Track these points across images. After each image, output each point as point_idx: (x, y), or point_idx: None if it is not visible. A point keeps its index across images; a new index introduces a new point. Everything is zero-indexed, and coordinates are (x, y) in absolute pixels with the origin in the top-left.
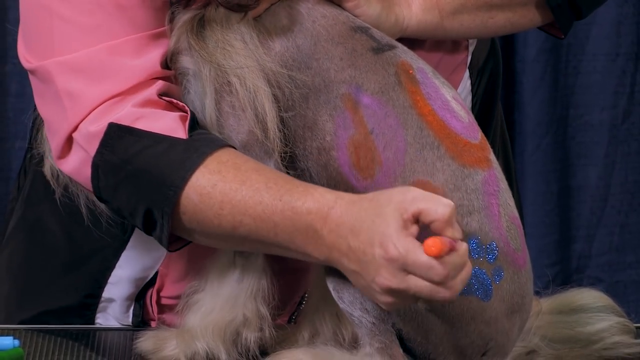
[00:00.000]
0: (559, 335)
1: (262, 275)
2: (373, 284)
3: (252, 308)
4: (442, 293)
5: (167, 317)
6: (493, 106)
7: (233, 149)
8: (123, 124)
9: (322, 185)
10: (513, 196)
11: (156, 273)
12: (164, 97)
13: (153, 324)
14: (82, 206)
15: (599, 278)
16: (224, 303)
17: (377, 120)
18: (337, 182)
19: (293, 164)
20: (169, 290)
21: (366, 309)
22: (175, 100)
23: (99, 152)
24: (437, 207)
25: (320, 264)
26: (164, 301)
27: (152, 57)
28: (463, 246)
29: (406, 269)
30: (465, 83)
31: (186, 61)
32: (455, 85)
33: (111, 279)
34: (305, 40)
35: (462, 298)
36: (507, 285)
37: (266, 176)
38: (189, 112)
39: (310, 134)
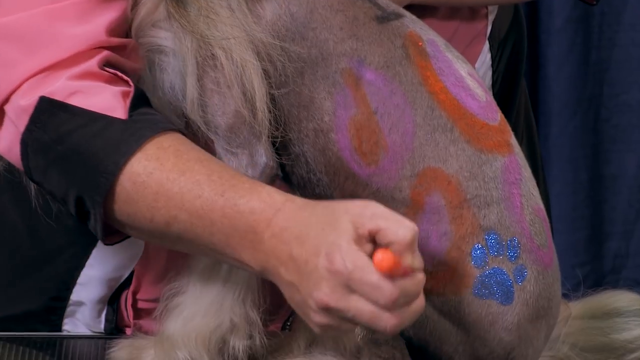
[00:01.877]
0: (591, 343)
1: (252, 274)
2: (309, 298)
3: (240, 312)
4: (385, 320)
5: (144, 323)
6: (516, 83)
7: (178, 134)
8: (56, 98)
9: (320, 172)
10: (539, 186)
11: (132, 273)
12: (107, 69)
13: (128, 331)
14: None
15: (638, 280)
16: (208, 307)
17: (382, 98)
18: (337, 169)
19: (286, 149)
20: (146, 292)
21: None
22: (120, 73)
23: (28, 128)
24: (399, 228)
25: (254, 273)
26: (140, 305)
27: (98, 24)
28: (419, 276)
29: (350, 285)
30: (485, 57)
31: (163, 35)
32: (472, 59)
33: (80, 279)
34: (300, 7)
35: (479, 302)
36: (531, 287)
37: (210, 168)
38: (132, 87)
39: (306, 114)
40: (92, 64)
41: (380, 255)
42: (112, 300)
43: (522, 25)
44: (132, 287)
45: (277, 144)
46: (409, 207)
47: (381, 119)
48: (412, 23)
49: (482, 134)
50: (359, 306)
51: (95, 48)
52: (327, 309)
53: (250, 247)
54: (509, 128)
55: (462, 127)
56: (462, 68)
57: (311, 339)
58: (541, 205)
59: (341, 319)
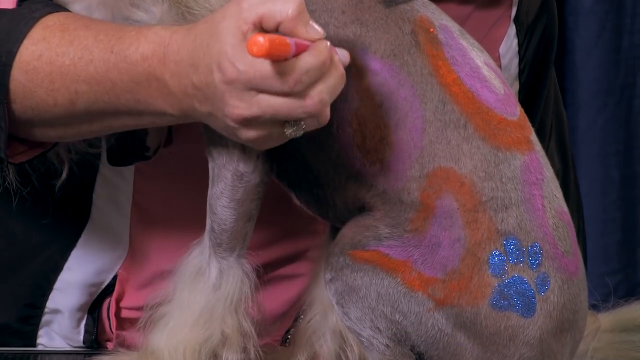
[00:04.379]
0: (623, 358)
1: (245, 280)
2: (226, 119)
3: (232, 323)
4: (302, 107)
5: (127, 334)
6: (545, 72)
7: (68, 13)
8: None
9: (318, 170)
10: (570, 187)
11: (114, 278)
12: None
13: (109, 345)
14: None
15: None
16: (197, 317)
17: (388, 91)
18: (337, 168)
19: (281, 145)
20: (131, 299)
21: (378, 327)
22: None
23: None
24: (280, 6)
25: (180, 120)
26: (124, 313)
27: None
28: (322, 45)
29: (252, 87)
30: (511, 42)
31: (141, 17)
32: (496, 44)
33: (57, 284)
34: None
35: (497, 314)
36: (554, 297)
37: (97, 29)
38: None
39: None
40: None
41: (252, 37)
42: (92, 309)
43: (552, 7)
44: (115, 294)
45: None
46: (418, 211)
47: (387, 114)
48: (423, 7)
49: (500, 130)
50: (270, 103)
51: None
52: (245, 121)
53: (160, 95)
54: (529, 123)
55: (477, 123)
56: (478, 57)
57: (312, 353)
58: (565, 209)
59: (266, 125)
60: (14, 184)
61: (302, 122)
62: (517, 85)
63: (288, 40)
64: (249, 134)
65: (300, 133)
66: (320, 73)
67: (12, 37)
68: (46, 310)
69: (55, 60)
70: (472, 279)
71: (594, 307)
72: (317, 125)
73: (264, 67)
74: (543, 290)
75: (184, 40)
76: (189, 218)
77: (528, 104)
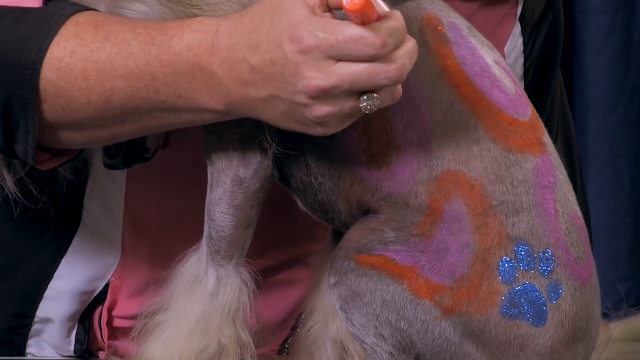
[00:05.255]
0: None
1: (244, 289)
2: (297, 96)
3: (230, 333)
4: (385, 72)
5: (120, 344)
6: (551, 72)
7: (98, 12)
8: None
9: (323, 176)
10: (576, 191)
11: (107, 286)
12: None
13: (102, 354)
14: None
15: None
16: (193, 327)
17: None
18: (342, 172)
19: (284, 149)
20: (124, 308)
21: (382, 335)
22: None
23: None
24: None
25: (221, 117)
26: (116, 323)
27: None
28: (397, 13)
29: (332, 54)
30: (516, 41)
31: (141, 9)
32: (501, 43)
33: (48, 293)
34: None
35: (508, 322)
36: (567, 306)
37: (133, 24)
38: None
39: None
40: None
41: None
42: (84, 318)
43: (559, 5)
44: (107, 303)
45: (273, 142)
46: (426, 215)
47: (394, 116)
48: (431, 4)
49: (511, 132)
50: (351, 71)
51: None
52: (321, 94)
53: (205, 87)
54: (541, 124)
55: (488, 124)
56: (488, 56)
57: None
58: (579, 213)
59: (341, 99)
60: (12, 195)
61: (377, 95)
62: (522, 86)
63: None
64: (322, 109)
65: (375, 108)
66: (402, 37)
67: (42, 35)
68: (36, 319)
69: (90, 56)
70: (482, 286)
71: (606, 316)
72: (391, 101)
73: (349, 30)
74: (555, 299)
75: (237, 25)
76: (184, 224)
77: (534, 105)
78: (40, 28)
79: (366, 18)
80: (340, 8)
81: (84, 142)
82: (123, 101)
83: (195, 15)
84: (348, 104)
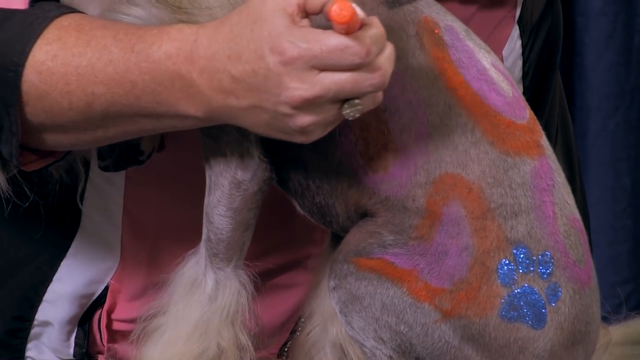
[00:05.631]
0: None
1: (242, 291)
2: (280, 106)
3: (228, 336)
4: (370, 79)
5: (119, 347)
6: (550, 75)
7: (81, 13)
8: None
9: (320, 179)
10: (575, 194)
11: (106, 289)
12: None
13: (101, 357)
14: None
15: None
16: (192, 329)
17: (392, 95)
18: (339, 175)
19: (282, 152)
20: (122, 311)
21: (381, 338)
22: None
23: None
24: None
25: (201, 123)
26: (115, 326)
27: None
28: (375, 19)
29: (315, 64)
30: (514, 44)
31: (137, 13)
32: (499, 46)
33: (47, 296)
34: None
35: (507, 325)
36: (565, 308)
37: (115, 29)
38: None
39: None
40: None
41: (336, 6)
42: (83, 321)
43: (557, 8)
44: (106, 306)
45: (271, 145)
46: (424, 218)
47: (391, 119)
48: (428, 7)
49: (508, 134)
50: (335, 80)
51: None
52: (305, 104)
53: (184, 95)
54: (539, 127)
55: (485, 127)
56: (485, 58)
57: None
58: (577, 216)
59: (324, 107)
60: (5, 193)
61: (359, 101)
62: (521, 88)
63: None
64: (305, 119)
65: (358, 113)
66: (383, 44)
67: (24, 37)
68: (35, 322)
69: (71, 60)
70: (481, 289)
71: (605, 319)
72: (372, 106)
73: (333, 40)
74: (554, 301)
75: (216, 33)
76: (182, 227)
77: (532, 108)
78: (24, 30)
79: (351, 28)
80: (318, 13)
81: (69, 144)
82: (104, 106)
83: (186, 21)
84: (331, 112)
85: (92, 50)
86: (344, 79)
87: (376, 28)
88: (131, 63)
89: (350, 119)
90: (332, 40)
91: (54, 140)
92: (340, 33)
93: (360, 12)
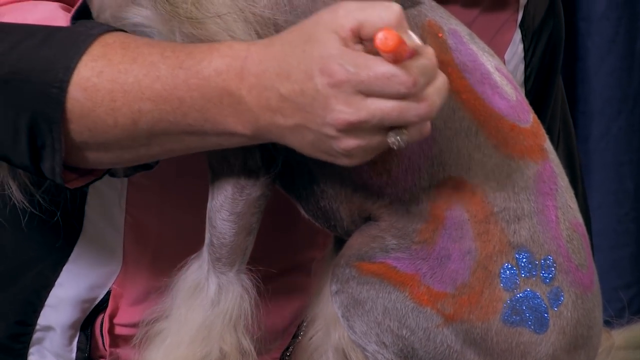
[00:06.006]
0: None
1: (245, 295)
2: (325, 128)
3: (231, 340)
4: (415, 109)
5: (121, 351)
6: (552, 79)
7: (125, 32)
8: None
9: (324, 183)
10: (577, 198)
11: (108, 293)
12: None
13: None
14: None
15: None
16: (194, 334)
17: None
18: (343, 179)
19: (286, 156)
20: (125, 316)
21: (384, 342)
22: None
23: None
24: (380, 12)
25: (248, 141)
26: (118, 330)
27: None
28: (429, 49)
29: (362, 89)
30: (516, 47)
31: (144, 13)
32: (501, 49)
33: (49, 301)
34: None
35: (509, 330)
36: (568, 313)
37: (162, 46)
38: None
39: None
40: None
41: (382, 34)
42: (85, 326)
43: (559, 13)
44: (108, 310)
45: (274, 150)
46: (427, 222)
47: None
48: (431, 10)
49: (512, 138)
50: (381, 106)
51: None
52: (349, 128)
53: (232, 112)
54: (542, 131)
55: (489, 131)
56: (488, 62)
57: None
58: (580, 220)
59: (369, 132)
60: (20, 203)
61: (405, 131)
62: (523, 92)
63: (404, 40)
64: (349, 143)
65: (403, 143)
66: (433, 75)
67: (69, 53)
68: (37, 327)
69: (117, 77)
70: (483, 294)
71: (607, 323)
72: (419, 136)
73: (380, 67)
74: (556, 305)
75: (267, 51)
76: (184, 232)
77: (534, 112)
78: (68, 47)
79: (398, 56)
80: (372, 40)
81: (110, 163)
82: (150, 123)
83: (198, 29)
84: (376, 138)
85: (139, 66)
86: (389, 106)
87: (427, 59)
88: (179, 80)
89: (394, 147)
90: (380, 68)
91: (96, 158)
92: (389, 61)
93: (413, 40)
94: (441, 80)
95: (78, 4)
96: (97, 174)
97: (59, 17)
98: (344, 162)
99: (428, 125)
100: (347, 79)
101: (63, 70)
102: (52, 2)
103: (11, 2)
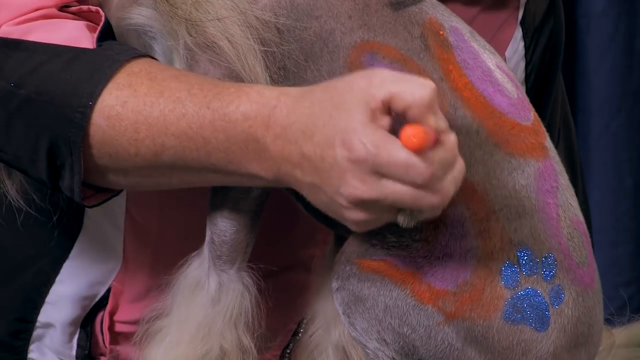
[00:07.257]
0: None
1: (245, 293)
2: (338, 196)
3: (231, 338)
4: (429, 199)
5: (121, 349)
6: (552, 77)
7: (150, 58)
8: (10, 37)
9: None
10: (577, 195)
11: (108, 290)
12: (69, 10)
13: (103, 359)
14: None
15: None
16: (195, 331)
17: None
18: None
19: None
20: (125, 313)
21: (384, 339)
22: (86, 7)
23: None
24: (413, 88)
25: (270, 184)
26: (118, 327)
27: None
28: (451, 137)
29: (379, 170)
30: (517, 45)
31: (146, 13)
32: (502, 47)
33: (49, 298)
34: None
35: (510, 327)
36: (569, 311)
37: (189, 82)
38: (103, 18)
39: None
40: (51, 9)
41: (408, 130)
42: (85, 323)
43: (559, 10)
44: (108, 307)
45: None
46: (428, 221)
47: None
48: (432, 8)
49: (513, 136)
50: (395, 190)
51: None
52: (360, 203)
53: (256, 157)
54: (543, 129)
55: (490, 128)
56: (489, 60)
57: None
58: (580, 218)
59: (379, 210)
60: (16, 202)
61: (417, 214)
62: (523, 90)
63: (430, 132)
64: (358, 215)
65: (413, 224)
66: (450, 167)
67: (94, 79)
68: (38, 324)
69: (142, 109)
70: (484, 291)
71: (608, 321)
72: (429, 217)
73: (399, 154)
74: (557, 303)
75: (296, 105)
76: (184, 229)
77: (534, 109)
78: (94, 72)
79: (421, 147)
80: (399, 113)
81: (129, 186)
82: (172, 158)
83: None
84: (385, 216)
85: (165, 101)
86: (403, 191)
87: (448, 151)
88: (206, 120)
89: (403, 227)
90: (400, 154)
91: (115, 181)
92: (410, 150)
93: (440, 123)
94: (458, 168)
95: (101, 24)
96: (115, 191)
97: (85, 38)
98: (352, 227)
99: (440, 209)
100: (365, 158)
101: (87, 96)
102: (80, 20)
103: (41, 18)
